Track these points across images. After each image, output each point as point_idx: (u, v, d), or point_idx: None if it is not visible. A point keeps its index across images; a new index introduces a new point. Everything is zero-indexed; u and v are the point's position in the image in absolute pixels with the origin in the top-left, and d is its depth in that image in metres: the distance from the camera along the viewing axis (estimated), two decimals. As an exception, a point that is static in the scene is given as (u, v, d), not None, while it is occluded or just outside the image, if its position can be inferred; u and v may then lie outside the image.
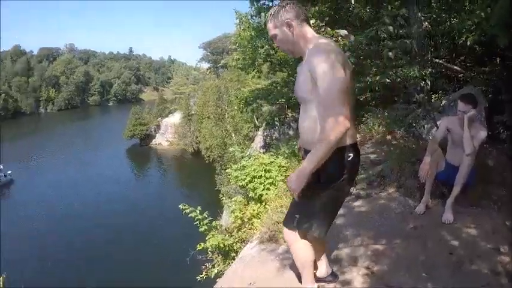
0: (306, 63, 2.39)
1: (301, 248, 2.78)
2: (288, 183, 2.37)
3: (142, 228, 34.23)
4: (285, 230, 2.84)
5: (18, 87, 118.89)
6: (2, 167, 53.80)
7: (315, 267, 3.08)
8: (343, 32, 6.93)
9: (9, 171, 54.55)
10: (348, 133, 2.33)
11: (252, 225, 7.16)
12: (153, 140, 63.83)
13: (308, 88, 2.37)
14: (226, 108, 34.05)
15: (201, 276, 7.66)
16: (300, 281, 3.10)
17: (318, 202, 2.53)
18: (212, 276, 7.36)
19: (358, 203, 5.15)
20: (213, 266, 7.56)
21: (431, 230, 4.16)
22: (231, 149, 16.71)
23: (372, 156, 6.90)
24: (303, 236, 2.72)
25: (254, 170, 7.55)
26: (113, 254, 29.54)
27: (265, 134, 20.27)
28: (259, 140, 20.80)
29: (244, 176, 7.57)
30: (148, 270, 26.12)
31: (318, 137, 2.27)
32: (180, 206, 7.53)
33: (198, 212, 7.47)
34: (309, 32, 2.49)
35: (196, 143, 48.38)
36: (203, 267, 7.72)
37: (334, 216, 2.80)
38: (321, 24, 7.25)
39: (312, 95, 2.34)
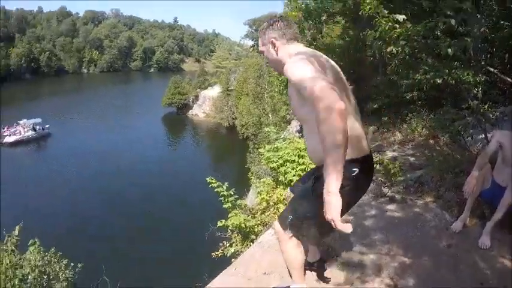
0: (289, 82, 2.29)
1: (291, 249, 2.69)
2: (326, 215, 2.01)
3: (172, 191, 34.54)
4: (277, 227, 2.71)
5: (62, 47, 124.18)
6: (40, 120, 56.00)
7: (305, 254, 2.94)
8: (401, 17, 6.44)
9: (48, 125, 56.83)
10: (352, 146, 2.11)
11: (278, 210, 7.02)
12: (190, 111, 64.47)
13: (300, 104, 2.25)
14: (266, 87, 33.68)
15: (216, 253, 7.56)
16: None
17: (313, 208, 2.31)
18: (228, 255, 7.25)
19: (391, 206, 4.90)
20: (231, 245, 7.46)
21: (465, 252, 3.83)
22: (266, 129, 16.46)
23: (412, 159, 6.60)
24: (295, 237, 2.63)
25: (288, 153, 7.33)
26: (140, 214, 30.05)
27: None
28: (295, 124, 20.45)
29: (277, 159, 7.36)
30: (169, 234, 26.44)
31: (319, 136, 1.89)
32: (208, 180, 7.35)
33: (224, 188, 7.30)
34: (294, 49, 2.41)
35: (232, 119, 48.53)
36: (220, 244, 7.67)
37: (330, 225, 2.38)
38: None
39: (306, 110, 2.18)
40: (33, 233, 8.01)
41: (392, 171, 5.58)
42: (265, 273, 3.68)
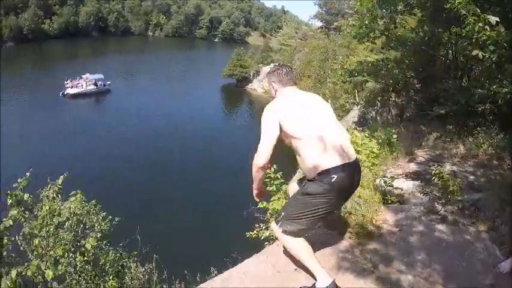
0: None
1: (288, 241, 3.24)
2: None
3: (222, 163, 35.11)
4: (273, 225, 3.46)
5: (130, 9, 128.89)
6: (102, 76, 58.47)
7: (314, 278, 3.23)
8: (494, 18, 5.92)
9: (109, 82, 59.55)
10: (330, 156, 2.96)
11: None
12: (250, 84, 64.65)
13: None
14: (330, 72, 32.94)
15: (250, 233, 7.65)
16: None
17: (293, 202, 3.32)
18: (261, 238, 7.28)
19: (441, 227, 4.66)
20: (266, 229, 7.38)
21: (506, 297, 3.53)
22: None
23: (471, 178, 6.21)
24: (283, 232, 3.24)
25: None
26: (187, 181, 30.88)
27: (362, 110, 19.35)
28: (354, 115, 19.92)
29: None
30: (210, 205, 26.92)
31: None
32: None
33: (272, 170, 7.22)
34: (284, 91, 3.46)
35: (290, 99, 48.26)
36: (257, 225, 7.69)
37: (309, 222, 3.13)
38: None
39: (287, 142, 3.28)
40: (77, 184, 8.46)
41: (451, 188, 5.29)
42: (296, 269, 3.61)
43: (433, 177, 5.64)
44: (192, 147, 37.61)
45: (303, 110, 3.15)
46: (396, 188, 5.83)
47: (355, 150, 6.84)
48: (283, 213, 3.24)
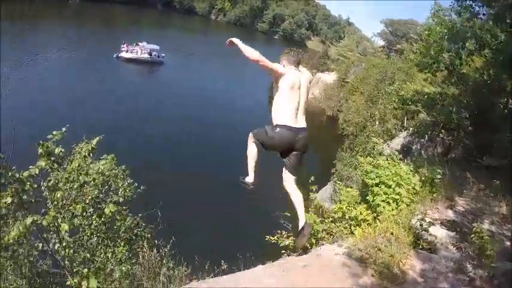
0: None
1: (250, 145, 4.90)
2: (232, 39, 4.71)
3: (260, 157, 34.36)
4: (250, 135, 4.95)
5: None
6: (158, 48, 59.57)
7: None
8: None
9: (163, 54, 60.49)
10: (283, 119, 4.56)
11: (350, 226, 6.73)
12: (301, 88, 64.16)
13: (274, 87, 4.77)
14: (384, 95, 32.09)
15: (270, 238, 7.61)
16: None
17: (262, 129, 4.77)
18: (280, 245, 7.29)
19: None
20: (287, 237, 7.37)
21: None
22: (373, 139, 15.71)
23: (508, 244, 5.77)
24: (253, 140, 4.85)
25: (387, 175, 6.80)
26: (220, 167, 30.55)
27: (407, 139, 18.71)
28: (398, 142, 19.23)
29: (374, 176, 6.87)
30: (237, 198, 26.61)
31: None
32: None
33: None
34: (289, 68, 4.73)
35: (338, 110, 47.22)
36: (278, 231, 7.58)
37: (265, 144, 4.78)
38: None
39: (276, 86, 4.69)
40: (111, 147, 8.45)
41: (488, 252, 4.90)
42: None
43: (472, 235, 5.34)
44: (228, 137, 37.61)
45: (295, 81, 4.59)
46: (430, 235, 5.54)
47: (398, 183, 6.67)
48: (255, 131, 4.88)
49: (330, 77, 57.86)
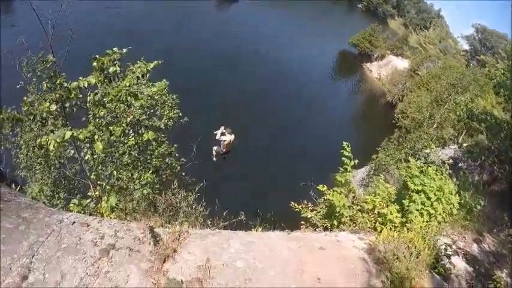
0: None
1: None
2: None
3: (310, 125, 34.18)
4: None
5: None
6: None
7: None
8: None
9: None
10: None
11: (375, 222, 6.53)
12: (368, 64, 61.64)
13: None
14: (451, 102, 30.25)
15: (295, 205, 7.60)
16: None
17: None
18: (301, 215, 7.36)
19: None
20: (311, 211, 7.46)
21: None
22: (432, 146, 15.07)
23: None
24: None
25: (431, 187, 6.41)
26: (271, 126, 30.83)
27: (457, 154, 17.81)
28: (447, 153, 18.36)
29: (419, 182, 6.49)
30: (277, 158, 26.85)
31: None
32: (344, 144, 7.06)
33: (348, 149, 7.00)
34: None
35: (398, 99, 45.59)
36: (304, 201, 7.65)
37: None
38: None
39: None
40: (168, 75, 8.40)
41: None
42: (319, 279, 3.62)
43: (490, 282, 5.24)
44: (286, 91, 37.17)
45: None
46: (450, 263, 5.39)
47: (438, 197, 6.26)
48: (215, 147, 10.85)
49: (401, 63, 55.53)
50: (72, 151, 6.34)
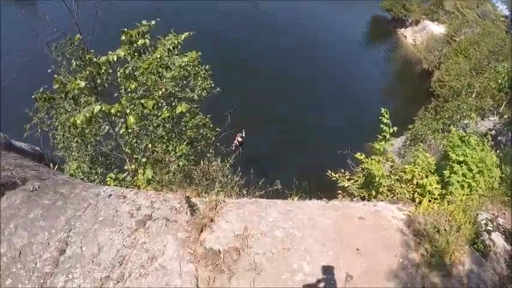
0: None
1: None
2: None
3: (338, 87, 33.43)
4: None
5: None
6: None
7: None
8: None
9: None
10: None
11: (413, 193, 6.21)
12: (402, 29, 58.97)
13: None
14: (491, 70, 28.70)
15: (332, 174, 7.44)
16: None
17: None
18: (338, 184, 7.22)
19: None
20: (348, 180, 7.30)
21: None
22: (472, 115, 14.45)
23: None
24: None
25: (473, 157, 6.05)
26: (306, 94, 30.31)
27: (496, 126, 16.94)
28: (487, 124, 17.59)
29: (461, 152, 6.15)
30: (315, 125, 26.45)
31: None
32: (382, 110, 6.80)
33: (387, 116, 6.75)
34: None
35: (435, 67, 43.83)
36: (341, 170, 7.49)
37: None
38: None
39: None
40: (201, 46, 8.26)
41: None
42: (358, 250, 3.48)
43: None
44: (318, 61, 36.34)
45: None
46: (490, 239, 5.07)
47: (480, 170, 5.93)
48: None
49: (437, 29, 52.99)
50: (107, 127, 6.38)
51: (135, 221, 3.72)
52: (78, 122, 4.69)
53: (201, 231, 3.70)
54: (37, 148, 8.67)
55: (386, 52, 52.11)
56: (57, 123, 7.32)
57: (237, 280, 3.38)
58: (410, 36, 56.83)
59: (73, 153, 7.68)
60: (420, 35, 54.80)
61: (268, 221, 3.93)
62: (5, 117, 13.31)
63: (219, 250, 3.53)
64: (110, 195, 4.15)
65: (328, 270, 3.54)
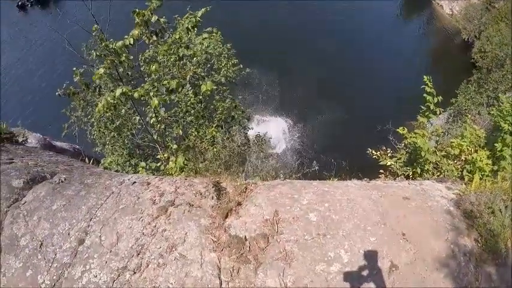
0: None
1: None
2: None
3: (375, 63, 32.66)
4: None
5: None
6: None
7: None
8: None
9: None
10: None
11: (462, 170, 5.79)
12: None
13: None
14: None
15: (373, 152, 6.99)
16: None
17: None
18: (379, 163, 6.76)
19: None
20: (391, 157, 6.80)
21: None
22: None
23: None
24: None
25: None
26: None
27: None
28: None
29: (511, 123, 5.61)
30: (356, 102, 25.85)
31: None
32: (425, 77, 6.44)
33: (430, 84, 6.33)
34: None
35: (475, 37, 41.81)
36: (383, 147, 7.02)
37: None
38: None
39: None
40: (219, 24, 7.91)
41: None
42: (403, 235, 3.22)
43: None
44: (354, 42, 35.44)
45: None
46: None
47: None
48: None
49: (473, -5, 50.30)
50: (138, 117, 6.32)
51: (157, 207, 3.53)
52: (100, 106, 4.56)
53: (227, 216, 3.40)
54: (78, 146, 8.83)
55: (422, 26, 49.99)
56: (93, 120, 7.33)
57: (264, 271, 3.06)
58: (446, 6, 54.10)
59: (111, 147, 7.71)
60: (457, 3, 51.99)
61: (302, 204, 3.57)
62: (47, 118, 13.61)
63: (245, 237, 3.23)
64: (134, 182, 4.00)
65: (370, 258, 3.16)
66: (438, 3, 55.47)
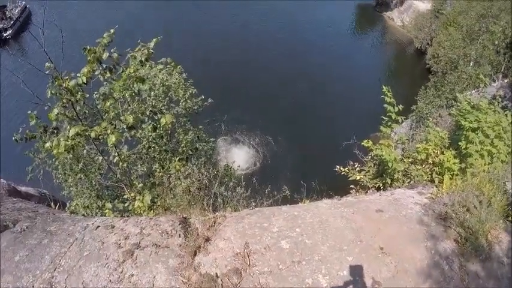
0: None
1: None
2: None
3: (332, 79, 32.98)
4: None
5: None
6: None
7: None
8: None
9: None
10: None
11: (432, 173, 5.81)
12: (389, 12, 58.76)
13: None
14: (485, 33, 27.92)
15: (341, 169, 6.89)
16: None
17: None
18: (349, 178, 6.68)
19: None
20: (358, 172, 6.74)
21: None
22: (485, 79, 14.02)
23: None
24: None
25: (487, 122, 5.59)
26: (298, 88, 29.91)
27: (502, 91, 16.49)
28: (489, 91, 17.14)
29: (473, 119, 5.68)
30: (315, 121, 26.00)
31: None
32: (384, 88, 6.48)
33: (390, 94, 6.36)
34: None
35: (427, 43, 43.29)
36: (351, 163, 6.91)
37: None
38: None
39: None
40: (173, 55, 7.83)
41: None
42: (381, 249, 3.08)
43: None
44: (307, 56, 36.04)
45: None
46: None
47: (498, 134, 5.46)
48: None
49: (423, 6, 52.52)
50: (100, 157, 6.10)
51: (122, 251, 3.34)
52: (61, 150, 4.38)
53: (195, 254, 3.23)
54: (44, 191, 8.47)
55: (376, 38, 51.75)
56: (57, 163, 7.02)
57: (239, 308, 2.89)
58: (397, 18, 56.33)
59: (76, 190, 7.39)
60: (407, 14, 54.31)
61: (272, 232, 3.43)
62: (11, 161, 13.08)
63: (216, 274, 3.06)
64: (98, 226, 3.80)
65: (350, 279, 3.03)
66: (389, 17, 57.64)
